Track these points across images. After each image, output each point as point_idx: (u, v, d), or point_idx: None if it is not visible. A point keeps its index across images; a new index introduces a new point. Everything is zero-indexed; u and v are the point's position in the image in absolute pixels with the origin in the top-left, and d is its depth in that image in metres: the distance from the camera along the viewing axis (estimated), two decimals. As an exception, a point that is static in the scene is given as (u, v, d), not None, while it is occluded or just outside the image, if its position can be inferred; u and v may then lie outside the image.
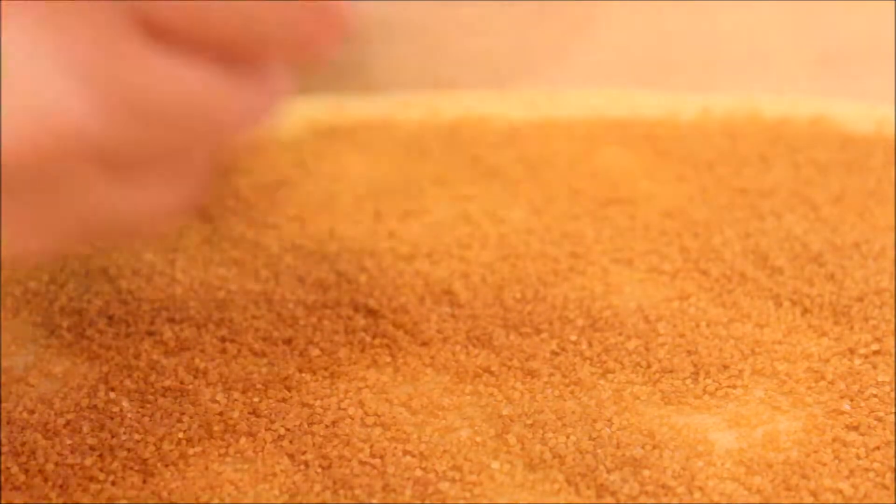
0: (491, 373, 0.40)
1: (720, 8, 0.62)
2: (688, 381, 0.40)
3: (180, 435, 0.38)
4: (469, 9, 0.61)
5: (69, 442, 0.37)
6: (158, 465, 0.37)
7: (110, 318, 0.43)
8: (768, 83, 0.55)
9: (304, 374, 0.40)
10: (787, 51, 0.59)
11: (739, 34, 0.60)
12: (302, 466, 0.37)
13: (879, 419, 0.38)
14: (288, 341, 0.42)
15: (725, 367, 0.41)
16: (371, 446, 0.37)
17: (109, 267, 0.45)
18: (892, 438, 0.37)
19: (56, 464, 0.37)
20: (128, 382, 0.40)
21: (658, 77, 0.57)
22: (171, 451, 0.38)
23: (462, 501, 0.36)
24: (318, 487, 0.36)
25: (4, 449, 0.37)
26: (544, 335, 0.42)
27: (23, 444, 0.37)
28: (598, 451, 0.37)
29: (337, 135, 0.52)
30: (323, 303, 0.43)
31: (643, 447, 0.37)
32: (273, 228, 0.47)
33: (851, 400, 0.39)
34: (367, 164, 0.50)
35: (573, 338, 0.42)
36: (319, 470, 0.37)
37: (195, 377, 0.40)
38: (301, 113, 0.52)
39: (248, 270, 0.45)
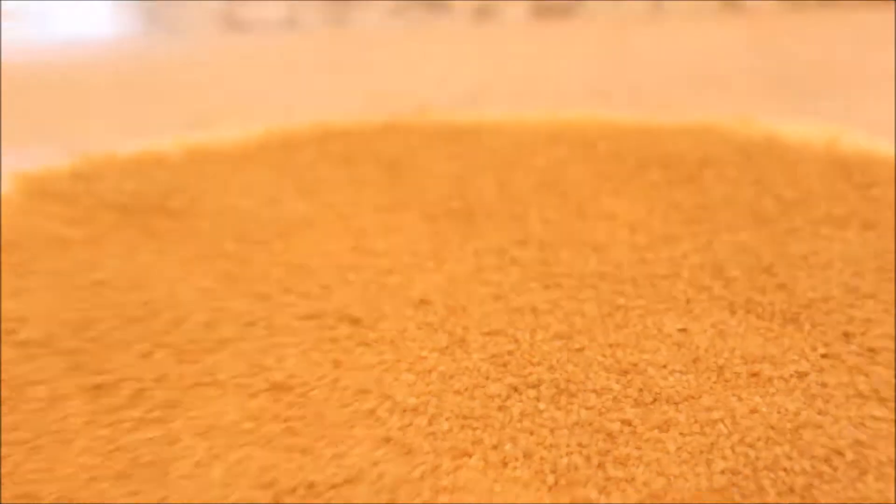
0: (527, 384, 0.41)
1: (683, 34, 0.63)
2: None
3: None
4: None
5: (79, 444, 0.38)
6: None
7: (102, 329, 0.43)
8: (727, 105, 0.56)
9: (298, 370, 0.41)
10: (745, 75, 0.59)
11: (701, 59, 0.60)
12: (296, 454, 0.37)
13: (825, 413, 0.39)
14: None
15: (681, 371, 0.41)
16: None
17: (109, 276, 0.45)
18: (840, 437, 0.37)
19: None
20: (125, 391, 0.40)
21: (625, 99, 0.57)
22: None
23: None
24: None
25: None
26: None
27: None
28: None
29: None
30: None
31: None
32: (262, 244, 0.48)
33: (806, 396, 0.39)
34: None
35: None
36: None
37: (194, 383, 0.41)
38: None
39: (223, 269, 0.46)
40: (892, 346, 0.41)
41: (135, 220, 0.48)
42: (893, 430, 0.38)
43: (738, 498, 0.36)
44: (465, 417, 0.39)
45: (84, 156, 0.51)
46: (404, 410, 0.39)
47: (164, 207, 0.48)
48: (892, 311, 0.43)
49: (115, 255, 0.46)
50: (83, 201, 0.49)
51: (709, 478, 0.36)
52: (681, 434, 0.38)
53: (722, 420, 0.39)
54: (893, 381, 0.40)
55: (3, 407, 0.40)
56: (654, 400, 0.40)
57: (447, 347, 0.42)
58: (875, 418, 0.38)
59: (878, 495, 0.35)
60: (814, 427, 0.38)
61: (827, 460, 0.37)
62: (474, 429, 0.39)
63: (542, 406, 0.39)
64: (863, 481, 0.36)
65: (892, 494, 0.36)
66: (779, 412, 0.39)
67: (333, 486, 0.36)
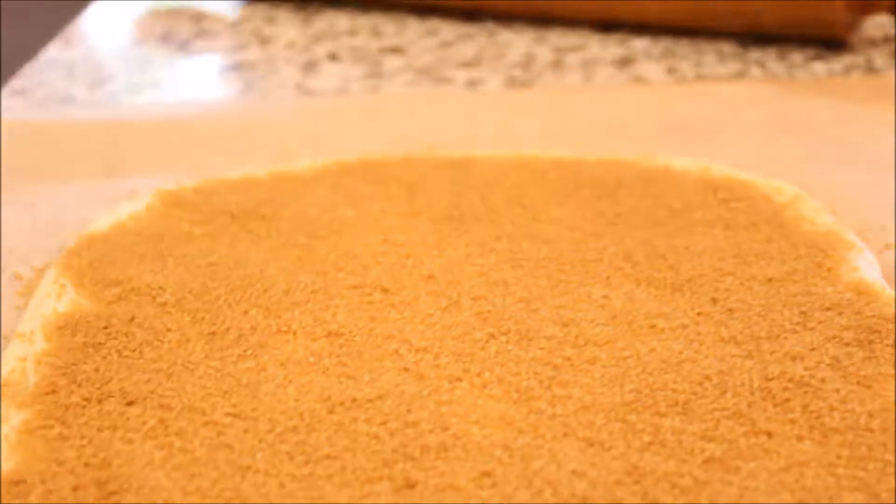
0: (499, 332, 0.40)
1: (604, 98, 0.62)
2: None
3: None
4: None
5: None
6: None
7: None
8: (635, 146, 0.55)
9: (346, 322, 0.41)
10: (646, 126, 0.59)
11: (616, 115, 0.60)
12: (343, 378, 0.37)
13: (699, 352, 0.39)
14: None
15: (603, 324, 0.41)
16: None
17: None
18: (709, 368, 0.38)
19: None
20: (230, 336, 0.40)
21: (566, 142, 0.57)
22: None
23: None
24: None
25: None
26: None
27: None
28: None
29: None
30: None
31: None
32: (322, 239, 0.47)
33: (686, 341, 0.39)
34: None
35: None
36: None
37: (276, 331, 0.41)
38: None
39: (297, 255, 0.45)
40: (745, 307, 0.41)
41: (238, 221, 0.48)
42: (745, 363, 0.38)
43: (640, 408, 0.36)
44: (458, 355, 0.39)
45: (203, 179, 0.51)
46: (417, 350, 0.39)
47: (257, 213, 0.48)
48: (746, 284, 0.43)
49: (224, 245, 0.46)
50: (203, 209, 0.49)
51: (622, 395, 0.37)
52: (603, 366, 0.38)
53: (630, 356, 0.39)
54: (745, 330, 0.40)
55: (146, 347, 0.39)
56: (586, 343, 0.40)
57: (447, 308, 0.42)
58: (732, 356, 0.38)
59: (733, 406, 0.36)
60: (691, 361, 0.38)
61: (700, 383, 0.37)
62: (464, 362, 0.39)
63: (510, 347, 0.39)
64: (724, 398, 0.36)
65: (742, 401, 0.36)
66: (668, 351, 0.39)
67: (369, 400, 0.36)
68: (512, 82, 0.67)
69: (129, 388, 0.37)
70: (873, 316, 0.40)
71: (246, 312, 0.41)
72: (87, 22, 0.81)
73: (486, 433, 0.35)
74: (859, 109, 0.59)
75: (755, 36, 0.72)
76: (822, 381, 0.37)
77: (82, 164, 0.55)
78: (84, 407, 0.36)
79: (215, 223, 0.47)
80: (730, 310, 0.41)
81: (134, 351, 0.39)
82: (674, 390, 0.37)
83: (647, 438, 0.34)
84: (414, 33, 0.76)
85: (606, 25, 0.76)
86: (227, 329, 0.40)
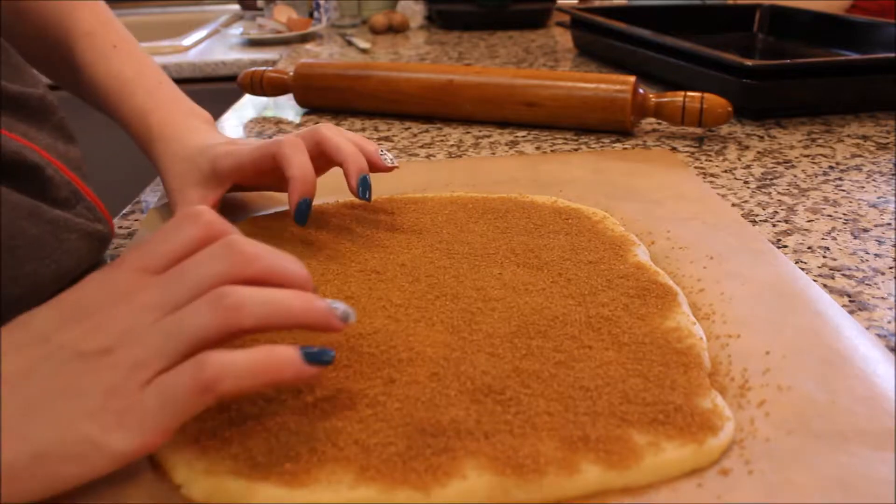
0: (441, 295, 0.39)
1: (499, 161, 0.61)
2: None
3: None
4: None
5: None
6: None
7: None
8: (517, 190, 0.54)
9: (355, 291, 0.39)
10: (522, 178, 0.58)
11: (506, 171, 0.59)
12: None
13: (551, 303, 0.37)
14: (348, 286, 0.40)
15: (499, 289, 0.40)
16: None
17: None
18: (556, 313, 0.36)
19: None
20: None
21: (481, 189, 0.55)
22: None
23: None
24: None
25: None
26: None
27: None
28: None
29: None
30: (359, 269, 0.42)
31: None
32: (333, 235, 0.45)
33: (544, 297, 0.38)
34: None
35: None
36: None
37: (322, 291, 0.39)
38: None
39: (327, 254, 0.43)
40: (576, 278, 0.40)
41: (302, 238, 0.46)
42: (577, 308, 0.37)
43: (519, 335, 0.35)
44: (418, 308, 0.38)
45: (277, 210, 0.49)
46: (396, 305, 0.38)
47: (308, 234, 0.46)
48: (577, 265, 0.42)
49: (292, 249, 0.44)
50: (276, 230, 0.47)
51: (509, 328, 0.35)
52: (499, 312, 0.37)
53: (514, 306, 0.38)
54: (576, 290, 0.39)
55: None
56: (489, 300, 0.38)
57: (413, 282, 0.41)
58: (569, 304, 0.37)
59: (570, 332, 0.35)
60: (547, 308, 0.37)
61: (552, 320, 0.36)
62: (421, 311, 0.37)
63: (447, 303, 0.38)
64: (565, 328, 0.35)
65: (575, 329, 0.35)
66: (535, 303, 0.38)
67: (369, 334, 0.35)
68: (450, 155, 0.67)
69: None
70: (646, 281, 0.40)
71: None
72: (223, 123, 0.79)
73: (434, 351, 0.34)
74: (637, 167, 0.59)
75: (583, 129, 0.72)
76: (619, 317, 0.36)
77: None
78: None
79: (283, 237, 0.46)
80: (568, 279, 0.41)
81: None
82: (538, 324, 0.36)
83: (523, 351, 0.34)
84: (397, 129, 0.75)
85: (502, 124, 0.75)
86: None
